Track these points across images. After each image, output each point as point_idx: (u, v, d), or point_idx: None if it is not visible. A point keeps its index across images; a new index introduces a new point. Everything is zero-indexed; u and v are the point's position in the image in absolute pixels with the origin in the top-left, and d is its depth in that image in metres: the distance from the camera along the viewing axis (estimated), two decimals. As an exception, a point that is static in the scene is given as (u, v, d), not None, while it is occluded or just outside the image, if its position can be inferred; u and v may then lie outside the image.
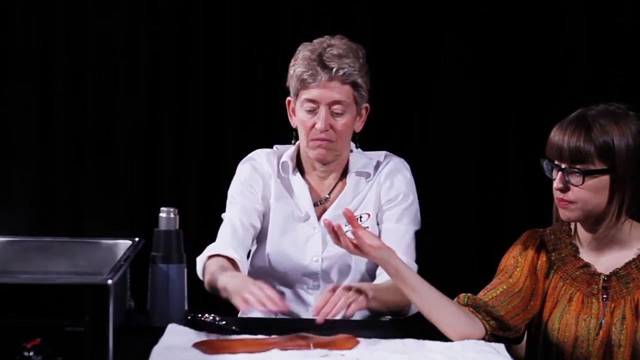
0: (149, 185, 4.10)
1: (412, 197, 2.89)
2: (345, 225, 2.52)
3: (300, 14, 4.04)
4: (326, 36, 2.81)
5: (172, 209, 2.58)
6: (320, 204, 2.89)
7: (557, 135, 2.47)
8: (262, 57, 4.05)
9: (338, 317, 2.51)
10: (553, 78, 4.04)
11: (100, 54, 4.05)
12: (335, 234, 2.45)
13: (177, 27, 4.05)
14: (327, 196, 2.89)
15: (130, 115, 4.07)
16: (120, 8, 4.04)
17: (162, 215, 2.58)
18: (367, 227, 2.82)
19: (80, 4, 4.03)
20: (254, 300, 2.48)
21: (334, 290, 2.53)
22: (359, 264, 2.86)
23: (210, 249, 2.78)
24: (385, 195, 2.87)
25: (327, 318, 2.48)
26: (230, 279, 2.62)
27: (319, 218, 2.86)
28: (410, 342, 2.40)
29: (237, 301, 2.53)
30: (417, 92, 4.09)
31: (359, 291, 2.55)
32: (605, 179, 2.45)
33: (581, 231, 2.57)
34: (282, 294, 2.89)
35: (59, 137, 4.05)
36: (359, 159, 2.88)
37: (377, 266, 2.74)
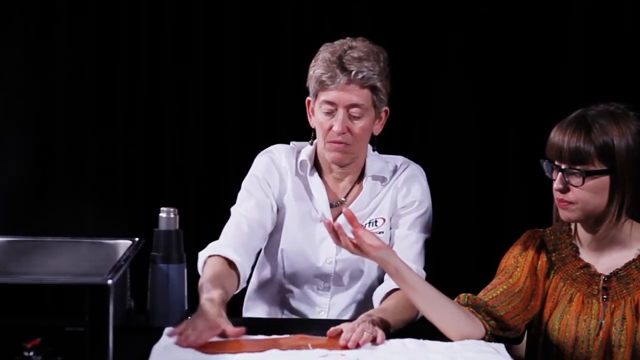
0: (149, 185, 4.09)
1: (427, 205, 2.88)
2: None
3: (300, 14, 4.04)
4: (348, 38, 2.78)
5: (172, 209, 2.58)
6: (336, 206, 2.87)
7: (557, 136, 2.47)
8: (262, 57, 4.05)
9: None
10: (553, 78, 4.03)
11: (100, 53, 4.05)
12: (336, 233, 2.45)
13: (177, 27, 4.05)
14: (343, 199, 2.87)
15: (130, 115, 4.07)
16: (120, 7, 4.04)
17: (162, 215, 2.58)
18: (382, 232, 2.82)
19: (81, 3, 4.03)
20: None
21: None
22: (371, 269, 2.86)
23: (211, 248, 2.73)
24: (402, 202, 2.86)
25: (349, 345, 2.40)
26: (200, 305, 2.50)
27: (334, 220, 2.85)
28: (410, 342, 2.41)
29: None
30: (417, 92, 4.09)
31: (380, 323, 2.49)
32: (605, 179, 2.45)
33: (581, 231, 2.57)
34: (290, 292, 2.89)
35: (59, 137, 4.05)
36: (376, 162, 2.87)
37: None
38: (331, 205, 2.86)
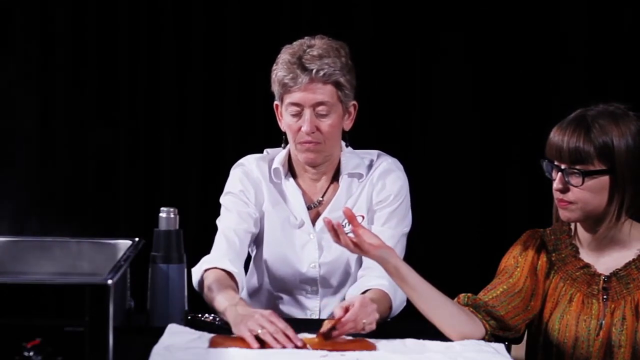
0: (149, 185, 4.10)
1: (402, 199, 2.85)
2: (346, 225, 2.51)
3: (300, 14, 4.04)
4: (306, 37, 2.79)
5: (172, 209, 2.58)
6: (314, 207, 2.87)
7: (556, 136, 2.47)
8: (262, 57, 4.04)
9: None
10: (553, 78, 4.04)
11: (100, 53, 4.05)
12: (335, 232, 2.44)
13: (177, 27, 4.05)
14: (321, 199, 2.87)
15: (130, 115, 4.07)
16: (120, 7, 4.04)
17: (162, 215, 2.58)
18: None
19: (81, 3, 4.04)
20: (266, 335, 2.33)
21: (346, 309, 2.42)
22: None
23: (206, 262, 2.73)
24: (377, 197, 2.84)
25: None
26: (231, 306, 2.49)
27: (313, 223, 2.85)
28: (410, 342, 2.40)
29: (242, 333, 2.36)
30: (417, 92, 4.09)
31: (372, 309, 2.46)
32: (604, 179, 2.45)
33: (581, 231, 2.57)
34: (280, 298, 2.88)
35: (59, 137, 4.05)
36: (351, 159, 2.86)
37: None
38: (309, 208, 2.86)
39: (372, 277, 2.71)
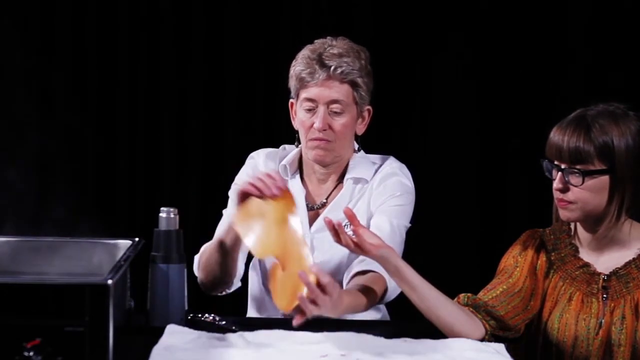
0: (149, 185, 4.10)
1: (404, 198, 2.81)
2: (348, 228, 2.51)
3: (300, 14, 4.05)
4: (328, 37, 2.80)
5: (172, 209, 2.58)
6: (316, 209, 2.87)
7: (556, 136, 2.47)
8: (262, 57, 4.05)
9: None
10: (553, 78, 4.04)
11: (100, 53, 4.05)
12: (336, 231, 2.44)
13: (177, 27, 4.06)
14: (324, 201, 2.86)
15: (130, 115, 4.07)
16: (120, 7, 4.04)
17: (162, 215, 2.57)
18: None
19: (81, 3, 4.04)
20: (260, 184, 2.46)
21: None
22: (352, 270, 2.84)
23: (204, 246, 2.78)
24: (375, 201, 2.81)
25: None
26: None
27: (310, 224, 2.84)
28: (410, 341, 2.40)
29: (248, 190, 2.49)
30: (417, 92, 4.09)
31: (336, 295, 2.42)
32: (604, 179, 2.45)
33: (581, 231, 2.57)
34: None
35: (59, 137, 4.05)
36: (359, 163, 2.85)
37: None
38: (312, 208, 2.85)
39: (369, 262, 2.64)
